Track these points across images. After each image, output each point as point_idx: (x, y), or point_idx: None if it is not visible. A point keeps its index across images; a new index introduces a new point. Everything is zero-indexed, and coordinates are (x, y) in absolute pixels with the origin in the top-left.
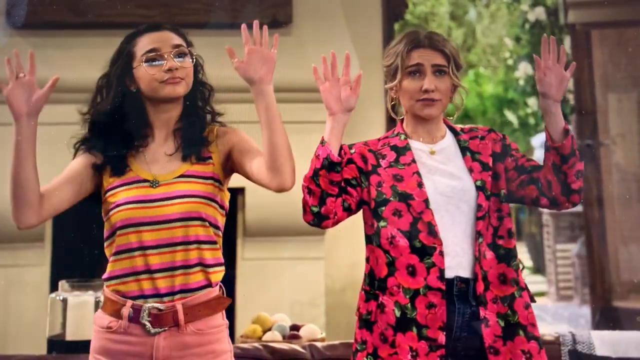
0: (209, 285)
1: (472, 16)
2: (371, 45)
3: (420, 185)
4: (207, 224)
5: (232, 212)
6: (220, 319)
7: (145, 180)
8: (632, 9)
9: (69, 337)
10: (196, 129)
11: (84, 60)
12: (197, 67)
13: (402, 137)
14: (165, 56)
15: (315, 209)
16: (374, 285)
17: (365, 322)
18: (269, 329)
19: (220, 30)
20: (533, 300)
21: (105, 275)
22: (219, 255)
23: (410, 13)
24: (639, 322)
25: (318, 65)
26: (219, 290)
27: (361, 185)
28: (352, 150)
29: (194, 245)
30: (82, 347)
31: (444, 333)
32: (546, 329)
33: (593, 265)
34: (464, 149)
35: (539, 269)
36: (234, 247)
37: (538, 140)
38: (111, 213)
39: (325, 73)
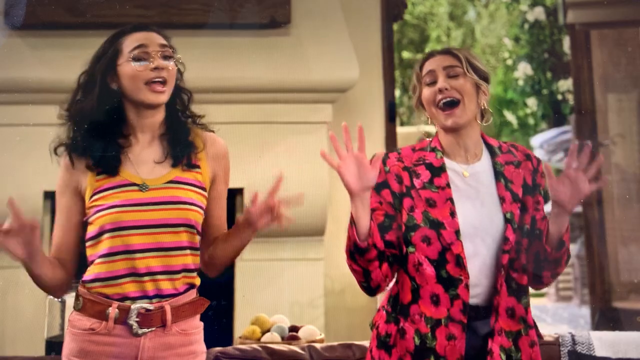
0: (192, 287)
1: (471, 16)
2: (370, 45)
3: (452, 214)
4: (194, 230)
5: (231, 213)
6: (198, 320)
7: (133, 184)
8: (631, 9)
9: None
10: (183, 134)
11: (83, 61)
12: (178, 73)
13: (439, 154)
14: (153, 55)
15: (364, 284)
16: (396, 309)
17: (384, 344)
18: (268, 330)
19: (218, 30)
20: (540, 337)
21: (88, 277)
22: (199, 261)
23: (409, 13)
24: (638, 322)
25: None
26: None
27: (396, 212)
28: (387, 169)
29: (181, 251)
30: None
31: None
32: (545, 330)
33: (592, 266)
34: (498, 174)
35: None
36: None
37: (537, 141)
38: (99, 215)
39: (338, 151)
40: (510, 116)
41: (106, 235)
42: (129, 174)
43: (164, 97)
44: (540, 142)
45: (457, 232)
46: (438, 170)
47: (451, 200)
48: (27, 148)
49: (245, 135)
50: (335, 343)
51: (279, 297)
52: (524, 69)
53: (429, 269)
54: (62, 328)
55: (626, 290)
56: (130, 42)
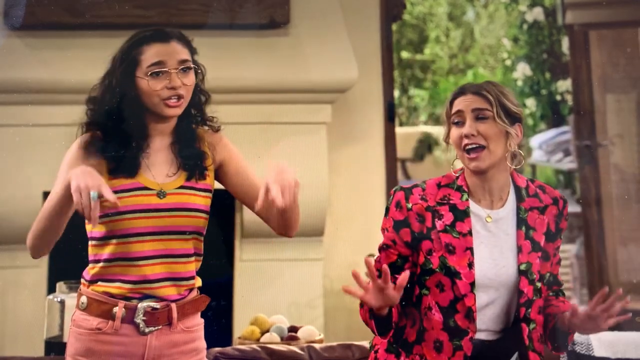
0: (194, 289)
1: (470, 17)
2: (369, 45)
3: (470, 265)
4: (201, 237)
5: (230, 213)
6: (199, 317)
7: (148, 189)
8: (630, 9)
9: (67, 338)
10: (193, 141)
11: (82, 61)
12: (199, 76)
13: (465, 197)
14: (171, 71)
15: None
16: (399, 342)
17: None
18: (267, 331)
19: (217, 31)
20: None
21: (93, 277)
22: (200, 264)
23: (408, 13)
24: (637, 323)
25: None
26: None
27: (412, 252)
28: (409, 206)
29: (188, 258)
30: None
31: None
32: None
33: (591, 266)
34: (520, 221)
35: None
36: (232, 248)
37: (536, 141)
38: (112, 218)
39: (359, 282)
40: None
41: (115, 240)
42: (144, 178)
43: (179, 111)
44: (539, 143)
45: (472, 284)
46: (462, 214)
47: (471, 250)
48: (26, 148)
49: (244, 135)
50: (335, 343)
51: (278, 298)
52: (522, 70)
53: (437, 315)
54: (61, 328)
55: (625, 290)
56: (149, 56)
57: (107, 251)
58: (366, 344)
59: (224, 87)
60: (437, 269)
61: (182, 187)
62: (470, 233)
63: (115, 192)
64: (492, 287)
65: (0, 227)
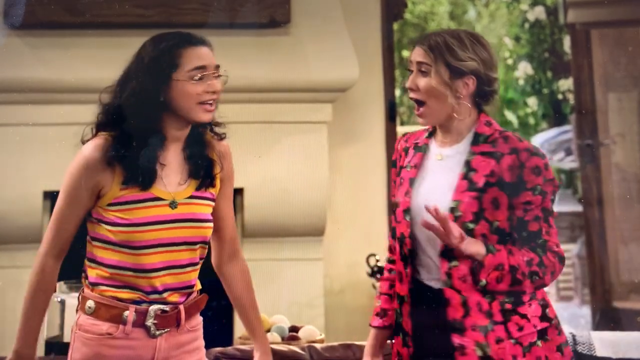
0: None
1: (471, 16)
2: (370, 44)
3: (407, 193)
4: (207, 246)
5: None
6: (199, 316)
7: (161, 199)
8: (632, 8)
9: (67, 339)
10: (204, 149)
11: (82, 61)
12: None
13: (427, 135)
14: (210, 76)
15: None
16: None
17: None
18: (268, 330)
19: (218, 30)
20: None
21: (97, 280)
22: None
23: (409, 12)
24: (639, 322)
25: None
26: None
27: None
28: (398, 147)
29: (194, 267)
30: None
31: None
32: None
33: (593, 266)
34: (465, 163)
35: None
36: None
37: (538, 140)
38: (121, 229)
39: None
40: (510, 115)
41: (126, 250)
42: (156, 188)
43: (212, 116)
44: (541, 142)
45: (406, 211)
46: (418, 150)
47: (411, 180)
48: (26, 148)
49: (245, 135)
50: (336, 343)
51: (278, 297)
52: (524, 69)
53: (396, 246)
54: (61, 328)
55: (627, 290)
56: (190, 59)
57: (115, 258)
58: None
59: (225, 86)
60: (396, 201)
61: (192, 196)
62: (416, 166)
63: (127, 202)
64: (424, 218)
65: (0, 226)
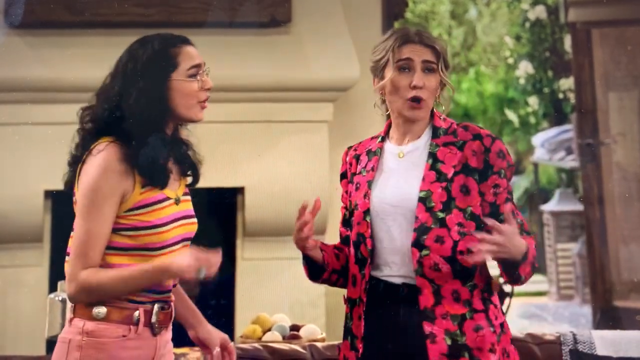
0: None
1: (472, 15)
2: (371, 44)
3: (365, 195)
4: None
5: (232, 212)
6: None
7: (170, 198)
8: (633, 7)
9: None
10: (188, 146)
11: (82, 60)
12: None
13: (379, 139)
14: (203, 73)
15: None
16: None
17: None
18: (269, 330)
19: (218, 29)
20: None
21: None
22: None
23: (410, 11)
24: (639, 321)
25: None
26: None
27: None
28: (347, 158)
29: None
30: None
31: (362, 344)
32: (547, 329)
33: (594, 265)
34: (430, 155)
35: (539, 268)
36: (233, 247)
37: (539, 139)
38: (143, 233)
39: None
40: (511, 115)
41: (146, 252)
42: (166, 188)
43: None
44: (542, 141)
45: (366, 212)
46: (372, 154)
47: (369, 182)
48: (26, 147)
49: (246, 134)
50: (337, 342)
51: (279, 296)
52: (525, 68)
53: (351, 250)
54: (62, 327)
55: (627, 289)
56: (187, 59)
57: (134, 262)
58: None
59: (225, 85)
60: (351, 208)
61: (185, 193)
62: (373, 169)
63: (147, 205)
64: (390, 215)
65: (1, 226)
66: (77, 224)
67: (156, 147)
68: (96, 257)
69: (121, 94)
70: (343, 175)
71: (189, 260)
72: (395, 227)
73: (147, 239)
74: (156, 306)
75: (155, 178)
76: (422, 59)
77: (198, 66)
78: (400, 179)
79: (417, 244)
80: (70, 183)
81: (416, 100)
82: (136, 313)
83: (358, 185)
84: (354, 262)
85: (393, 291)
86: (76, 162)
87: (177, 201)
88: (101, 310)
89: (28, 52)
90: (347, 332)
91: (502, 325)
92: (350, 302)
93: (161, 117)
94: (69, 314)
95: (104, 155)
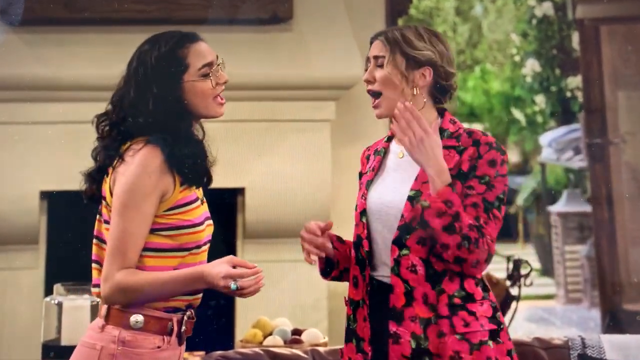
0: None
1: (478, 11)
2: None
3: (363, 196)
4: None
5: (232, 213)
6: None
7: (199, 197)
8: None
9: (65, 342)
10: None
11: (81, 58)
12: None
13: (386, 139)
14: (217, 69)
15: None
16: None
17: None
18: (270, 334)
19: (219, 26)
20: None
21: None
22: None
23: (414, 8)
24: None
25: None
26: None
27: None
28: (362, 158)
29: None
30: None
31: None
32: (555, 333)
33: (602, 267)
34: None
35: (547, 271)
36: (233, 248)
37: (546, 139)
38: (184, 232)
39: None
40: (518, 114)
41: (183, 253)
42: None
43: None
44: (549, 140)
45: (362, 212)
46: (377, 154)
47: (368, 182)
48: (24, 147)
49: (247, 133)
50: (339, 346)
51: (281, 300)
52: (532, 66)
53: (352, 252)
54: (58, 331)
55: (637, 291)
56: (197, 58)
57: (173, 264)
58: None
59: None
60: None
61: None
62: (373, 169)
63: (185, 204)
64: (382, 214)
65: None
66: (115, 223)
67: (194, 146)
68: (134, 257)
69: (138, 100)
70: (359, 175)
71: (226, 271)
72: (387, 227)
73: (185, 238)
74: (187, 314)
75: (194, 177)
76: (373, 54)
77: (210, 64)
78: (396, 179)
79: (398, 242)
80: (97, 190)
81: (371, 94)
82: (170, 323)
83: (361, 185)
84: (355, 263)
85: (388, 291)
86: (102, 170)
87: (202, 201)
88: (139, 319)
89: (26, 50)
90: (351, 334)
91: (487, 333)
92: (352, 303)
93: (184, 117)
94: (99, 320)
95: (144, 153)
